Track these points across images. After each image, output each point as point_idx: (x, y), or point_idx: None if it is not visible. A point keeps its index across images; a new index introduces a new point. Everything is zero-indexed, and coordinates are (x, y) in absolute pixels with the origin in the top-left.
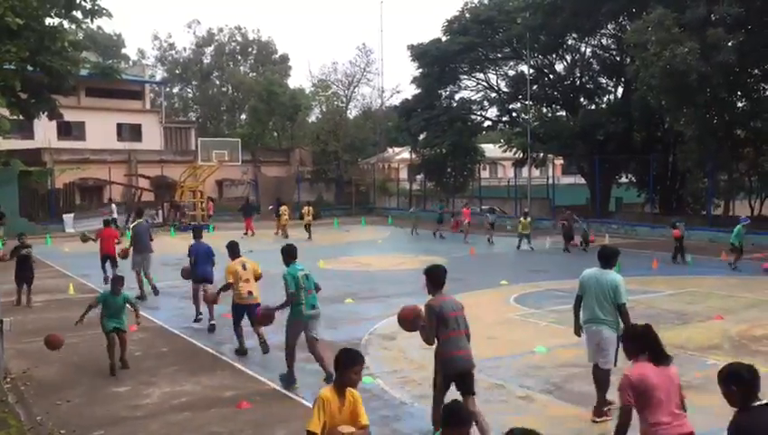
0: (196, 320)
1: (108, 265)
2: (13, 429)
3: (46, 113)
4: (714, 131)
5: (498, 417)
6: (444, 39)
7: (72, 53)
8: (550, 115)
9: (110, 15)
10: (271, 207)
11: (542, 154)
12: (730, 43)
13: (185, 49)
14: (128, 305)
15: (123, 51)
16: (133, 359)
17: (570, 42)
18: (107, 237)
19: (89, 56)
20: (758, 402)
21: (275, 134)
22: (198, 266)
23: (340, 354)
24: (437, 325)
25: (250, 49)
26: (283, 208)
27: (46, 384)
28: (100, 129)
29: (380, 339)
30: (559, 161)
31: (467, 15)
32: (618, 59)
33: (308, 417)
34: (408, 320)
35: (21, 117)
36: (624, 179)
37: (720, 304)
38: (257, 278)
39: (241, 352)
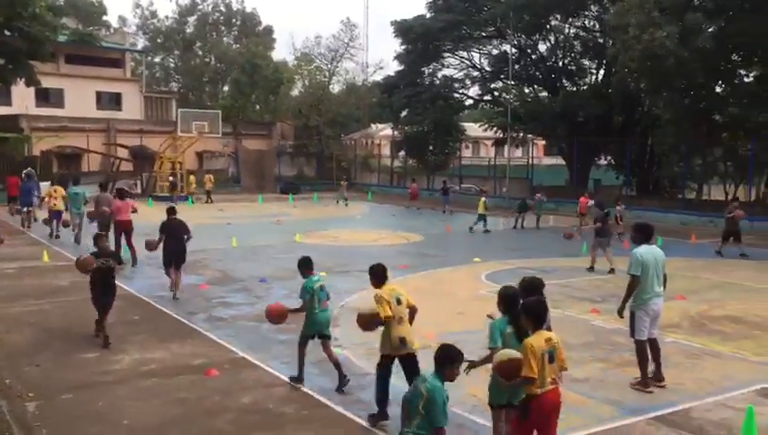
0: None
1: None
2: None
3: (23, 79)
4: (690, 116)
5: (459, 388)
6: (428, 16)
7: (50, 18)
8: (531, 96)
9: None
10: (171, 178)
11: (521, 134)
12: (710, 29)
13: (167, 18)
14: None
15: (104, 18)
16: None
17: (553, 22)
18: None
19: (68, 22)
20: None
21: (257, 107)
22: (22, 197)
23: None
24: None
25: (234, 20)
26: (207, 177)
27: (17, 349)
28: (79, 96)
29: (351, 312)
30: (542, 142)
31: None
32: (600, 41)
33: (274, 385)
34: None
35: None
36: (603, 161)
37: (684, 284)
38: (65, 198)
39: (53, 236)
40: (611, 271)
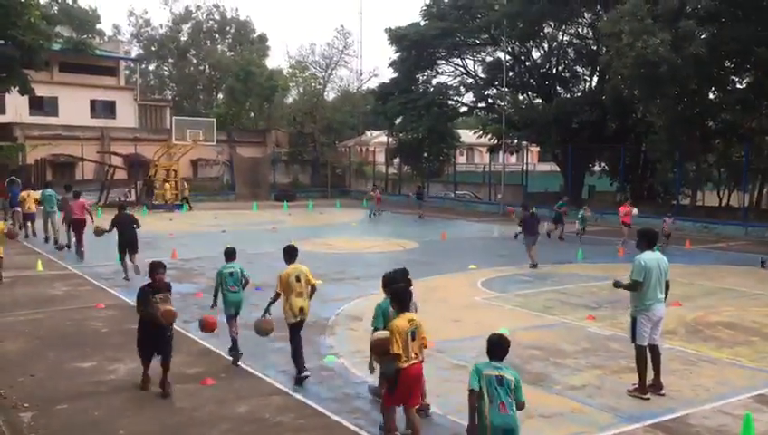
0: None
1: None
2: None
3: (17, 88)
4: (684, 122)
5: (456, 395)
6: (422, 23)
7: (44, 27)
8: (525, 102)
9: None
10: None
11: (516, 141)
12: (702, 36)
13: (161, 26)
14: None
15: (98, 26)
16: (99, 335)
17: (547, 30)
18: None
19: (63, 31)
20: None
21: (252, 115)
22: (11, 200)
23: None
24: None
25: (228, 28)
26: (183, 184)
27: (11, 359)
28: (74, 105)
29: (347, 320)
30: (536, 148)
31: (446, 0)
32: (594, 48)
33: (270, 394)
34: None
35: None
36: (597, 168)
37: (680, 290)
38: (37, 201)
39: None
40: (535, 266)
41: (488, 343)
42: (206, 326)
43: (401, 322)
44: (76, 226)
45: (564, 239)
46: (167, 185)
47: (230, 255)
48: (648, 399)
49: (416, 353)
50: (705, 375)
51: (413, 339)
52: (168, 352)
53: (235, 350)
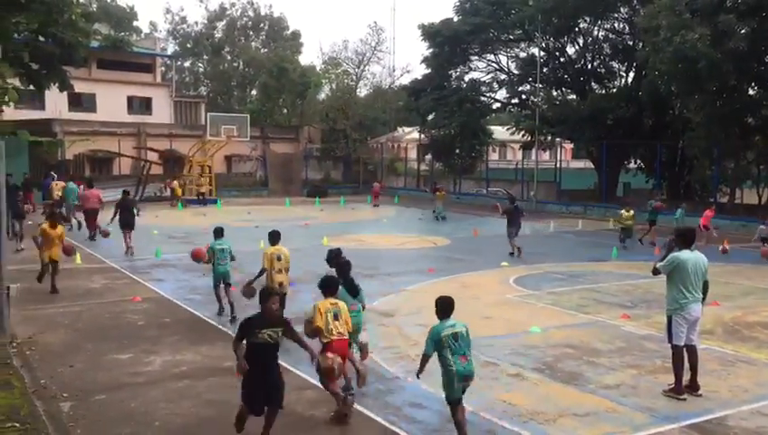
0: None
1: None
2: (16, 390)
3: (57, 85)
4: (722, 118)
5: (488, 393)
6: (455, 19)
7: (83, 24)
8: (559, 99)
9: None
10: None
11: (549, 137)
12: (743, 31)
13: (196, 23)
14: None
15: (135, 23)
16: (135, 328)
17: (582, 25)
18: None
19: (101, 28)
20: None
21: (285, 111)
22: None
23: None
24: None
25: (262, 25)
26: (176, 183)
27: (51, 350)
28: (111, 101)
29: (378, 316)
30: (570, 145)
31: None
32: (630, 43)
33: (303, 388)
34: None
35: (31, 88)
36: (632, 165)
37: (718, 290)
38: (63, 192)
39: None
40: (512, 254)
41: (439, 304)
42: (195, 255)
43: (324, 303)
44: (89, 214)
45: (656, 244)
46: (175, 182)
47: (219, 233)
48: (685, 399)
49: (339, 332)
50: (743, 376)
51: (335, 318)
52: (279, 400)
53: (233, 313)
